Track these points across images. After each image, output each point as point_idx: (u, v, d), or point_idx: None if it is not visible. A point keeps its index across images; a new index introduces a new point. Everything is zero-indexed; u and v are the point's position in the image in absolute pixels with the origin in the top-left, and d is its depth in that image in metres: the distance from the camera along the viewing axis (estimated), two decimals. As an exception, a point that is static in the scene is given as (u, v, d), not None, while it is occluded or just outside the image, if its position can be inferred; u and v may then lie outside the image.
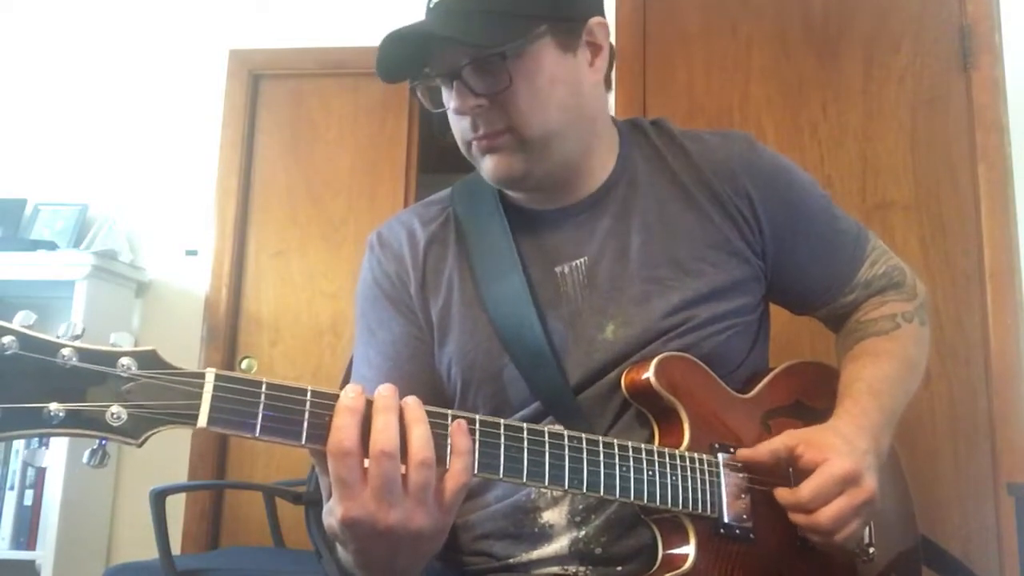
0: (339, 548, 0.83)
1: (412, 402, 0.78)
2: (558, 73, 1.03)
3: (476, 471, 0.82)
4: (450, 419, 0.80)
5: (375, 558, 0.80)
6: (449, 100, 1.04)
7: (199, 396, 0.70)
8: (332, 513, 0.78)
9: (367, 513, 0.75)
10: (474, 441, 0.82)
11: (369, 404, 0.77)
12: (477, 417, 0.83)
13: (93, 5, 3.23)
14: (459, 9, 1.00)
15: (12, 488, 2.66)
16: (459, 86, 1.00)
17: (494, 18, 0.99)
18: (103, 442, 0.67)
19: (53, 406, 0.64)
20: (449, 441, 0.79)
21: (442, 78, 1.03)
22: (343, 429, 0.74)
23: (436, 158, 3.28)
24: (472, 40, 0.97)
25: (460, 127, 1.05)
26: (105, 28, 3.21)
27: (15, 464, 2.67)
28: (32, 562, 2.57)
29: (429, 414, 0.79)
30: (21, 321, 0.66)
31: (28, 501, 2.65)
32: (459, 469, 0.79)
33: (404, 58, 1.02)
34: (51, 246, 2.83)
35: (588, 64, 1.07)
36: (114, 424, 0.67)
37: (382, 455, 0.74)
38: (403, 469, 0.76)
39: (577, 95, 1.06)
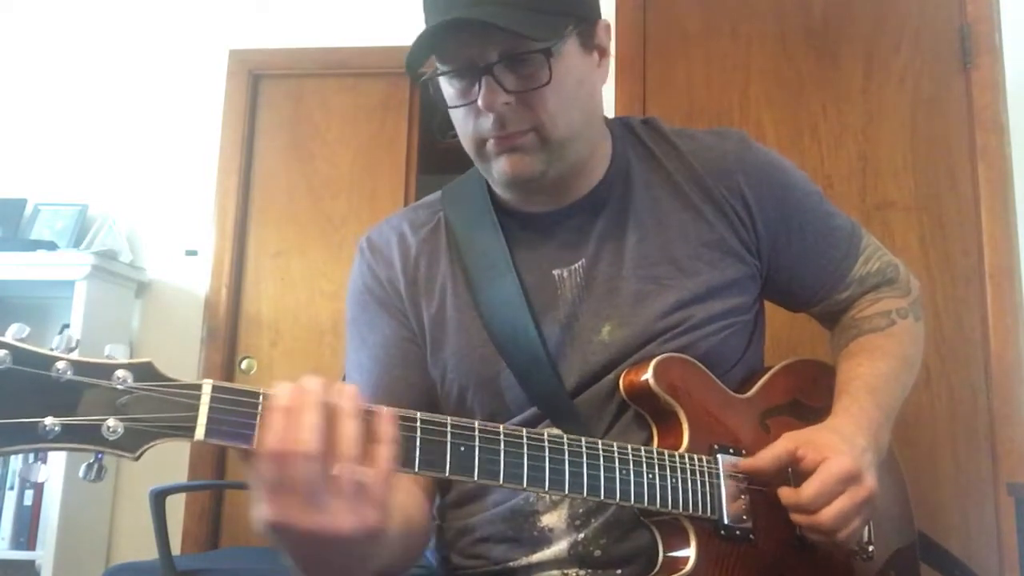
0: None
1: (346, 397, 0.71)
2: (582, 74, 1.02)
3: (477, 478, 0.81)
4: (448, 424, 0.79)
5: (307, 560, 0.74)
6: (461, 95, 1.00)
7: (196, 408, 0.69)
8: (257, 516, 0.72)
9: (286, 517, 0.68)
10: (473, 447, 0.81)
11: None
12: (476, 423, 0.83)
13: (93, 5, 3.22)
14: (490, 0, 0.93)
15: (12, 488, 2.66)
16: (490, 81, 0.96)
17: (532, 14, 0.94)
18: (100, 456, 0.66)
19: (48, 421, 0.63)
20: (372, 429, 0.72)
21: (465, 72, 0.98)
22: (269, 429, 0.69)
23: (436, 158, 3.28)
24: (531, 34, 0.93)
25: (477, 124, 1.00)
26: (105, 28, 3.20)
27: (15, 464, 2.67)
28: (32, 562, 2.57)
29: (425, 420, 0.78)
30: (14, 334, 0.64)
31: (28, 501, 2.65)
32: (383, 459, 0.71)
33: (425, 49, 0.97)
34: (51, 246, 2.82)
35: (596, 65, 1.06)
36: (110, 438, 0.65)
37: (300, 457, 0.67)
38: (334, 468, 0.69)
39: (593, 96, 1.05)
